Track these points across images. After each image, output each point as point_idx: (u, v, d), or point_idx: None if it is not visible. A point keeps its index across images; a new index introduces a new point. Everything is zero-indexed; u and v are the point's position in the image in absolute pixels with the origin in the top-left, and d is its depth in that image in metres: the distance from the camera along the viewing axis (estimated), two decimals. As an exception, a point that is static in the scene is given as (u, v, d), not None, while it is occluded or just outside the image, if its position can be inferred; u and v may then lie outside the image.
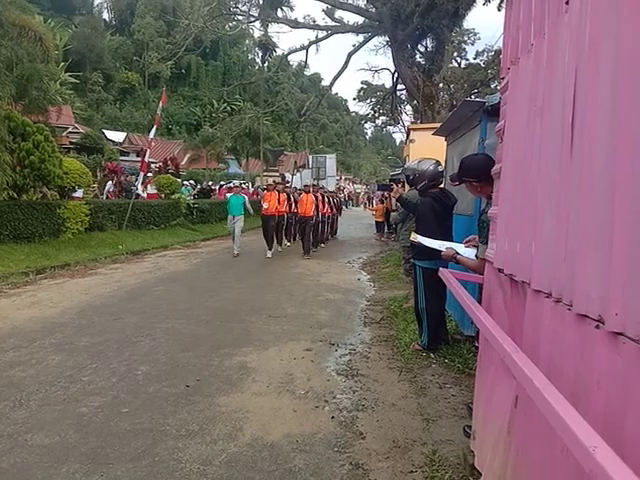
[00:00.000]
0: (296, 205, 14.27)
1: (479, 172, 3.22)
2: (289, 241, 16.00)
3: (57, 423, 3.49)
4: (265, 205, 13.07)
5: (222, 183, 25.79)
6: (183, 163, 34.31)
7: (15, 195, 11.13)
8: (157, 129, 16.40)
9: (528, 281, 1.98)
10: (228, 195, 13.80)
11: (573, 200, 1.60)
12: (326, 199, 15.94)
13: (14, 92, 10.53)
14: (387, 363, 4.92)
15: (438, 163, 5.38)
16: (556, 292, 1.70)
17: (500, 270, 2.39)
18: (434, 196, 5.11)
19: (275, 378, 4.46)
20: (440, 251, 3.87)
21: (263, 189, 15.66)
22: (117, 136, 36.68)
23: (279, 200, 13.51)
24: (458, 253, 3.61)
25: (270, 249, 12.93)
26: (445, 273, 3.01)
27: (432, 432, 3.47)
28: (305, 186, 14.25)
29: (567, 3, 1.74)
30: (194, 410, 3.75)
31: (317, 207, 13.68)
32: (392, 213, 12.73)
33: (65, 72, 36.23)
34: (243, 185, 18.66)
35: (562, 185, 1.71)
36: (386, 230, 19.25)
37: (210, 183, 27.24)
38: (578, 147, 1.60)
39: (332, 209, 17.18)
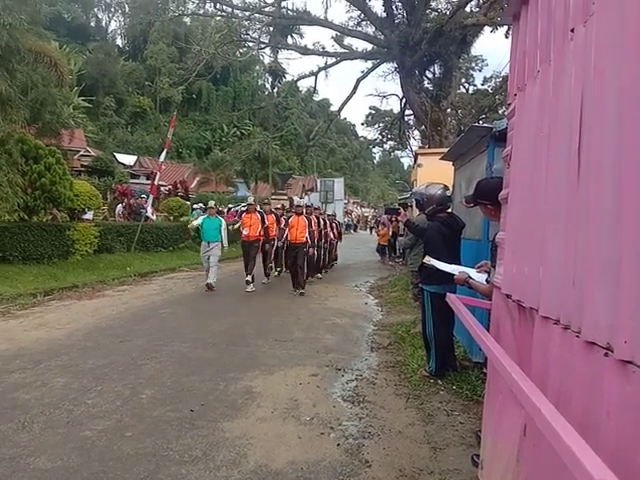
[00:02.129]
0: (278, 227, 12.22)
1: (493, 195, 3.21)
2: (279, 271, 13.80)
3: (60, 447, 3.46)
4: (245, 231, 11.10)
5: (230, 206, 25.93)
6: (192, 186, 34.60)
7: (26, 217, 11.25)
8: (167, 153, 16.59)
9: (536, 307, 1.95)
10: (199, 219, 11.42)
11: (580, 226, 1.59)
12: (322, 222, 13.79)
13: (28, 116, 10.72)
14: (394, 389, 4.85)
15: (446, 188, 5.39)
16: (564, 319, 1.67)
17: (508, 296, 2.37)
18: (442, 220, 5.11)
19: (280, 403, 4.41)
20: (452, 275, 3.85)
21: (241, 211, 12.72)
22: (128, 159, 37.09)
23: (264, 223, 11.46)
24: (470, 277, 3.58)
25: (251, 282, 10.87)
26: (452, 299, 2.98)
27: (439, 461, 3.40)
28: (297, 206, 11.60)
29: (572, 31, 1.75)
30: (198, 435, 3.71)
31: (311, 232, 11.31)
32: (400, 238, 12.73)
33: (78, 96, 36.85)
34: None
35: (569, 211, 1.70)
36: (393, 254, 19.23)
37: (216, 205, 27.32)
38: (585, 173, 1.60)
39: (330, 234, 15.04)
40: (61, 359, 5.54)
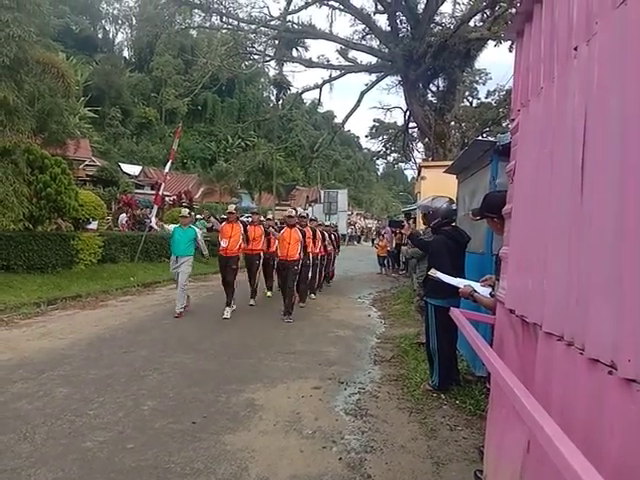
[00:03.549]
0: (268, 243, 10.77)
1: (500, 209, 3.21)
2: (269, 289, 11.89)
3: (61, 458, 3.45)
4: (224, 243, 9.38)
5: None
6: (197, 197, 34.71)
7: (31, 226, 11.30)
8: (172, 163, 16.65)
9: (540, 323, 1.95)
10: (172, 227, 9.59)
11: (583, 243, 1.60)
12: (319, 235, 11.96)
13: (35, 126, 10.79)
14: (397, 403, 4.83)
15: (451, 201, 5.39)
16: (568, 335, 1.67)
17: (511, 311, 2.37)
18: (447, 233, 5.11)
19: (282, 417, 4.39)
20: (457, 288, 3.84)
21: (221, 220, 10.57)
22: (133, 169, 37.26)
23: (248, 236, 10.09)
24: (475, 291, 3.58)
25: (229, 304, 9.22)
26: (456, 313, 2.98)
27: (442, 476, 3.38)
28: (289, 217, 9.57)
29: (576, 49, 1.77)
30: (200, 448, 3.69)
31: (305, 246, 9.81)
32: (403, 247, 12.62)
33: (85, 107, 37.11)
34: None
35: (572, 227, 1.71)
36: (396, 266, 19.20)
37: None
38: (588, 189, 1.60)
39: (327, 247, 13.32)
40: (63, 369, 5.53)
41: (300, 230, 9.50)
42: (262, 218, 11.66)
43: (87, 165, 29.22)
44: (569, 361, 1.66)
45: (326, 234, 13.46)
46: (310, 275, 11.07)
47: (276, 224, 12.55)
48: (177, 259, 9.22)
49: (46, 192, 11.16)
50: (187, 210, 10.21)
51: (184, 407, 4.54)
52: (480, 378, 5.20)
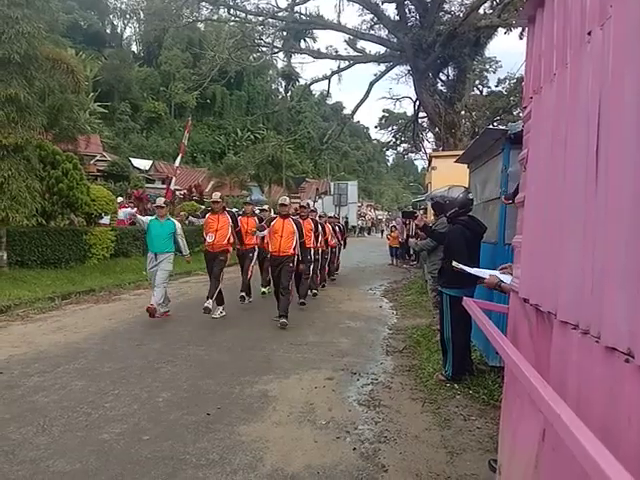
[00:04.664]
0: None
1: None
2: (266, 285, 10.66)
3: (79, 449, 3.50)
4: (209, 238, 8.23)
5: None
6: (207, 190, 34.82)
7: (44, 222, 11.40)
8: (182, 157, 16.70)
9: (554, 312, 1.94)
10: (146, 219, 8.38)
11: (599, 230, 1.58)
12: (320, 228, 10.88)
13: (45, 122, 10.87)
14: (410, 394, 4.84)
15: (468, 190, 5.37)
16: (583, 324, 1.66)
17: (525, 300, 2.35)
18: (464, 223, 5.06)
19: (296, 407, 4.41)
20: (473, 279, 3.81)
21: (204, 211, 9.13)
22: (143, 164, 37.41)
23: (241, 230, 8.92)
24: (502, 281, 3.53)
25: (211, 297, 7.94)
26: (469, 303, 2.97)
27: (456, 466, 3.38)
28: (281, 206, 8.26)
29: (589, 34, 1.74)
30: (214, 439, 3.73)
31: (304, 241, 8.61)
32: (411, 240, 12.53)
33: (94, 102, 37.30)
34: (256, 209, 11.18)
35: (587, 214, 1.69)
36: (407, 257, 19.17)
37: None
38: (603, 176, 1.58)
39: (330, 241, 12.38)
40: (79, 362, 5.60)
41: (295, 222, 8.20)
42: (256, 209, 10.83)
43: (98, 160, 29.41)
44: (585, 350, 1.65)
45: (329, 226, 12.51)
46: (311, 271, 10.18)
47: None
48: (156, 256, 8.05)
49: (58, 188, 11.26)
50: (162, 199, 8.89)
51: (198, 398, 4.58)
52: (493, 368, 5.19)
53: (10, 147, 9.54)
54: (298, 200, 35.74)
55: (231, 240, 8.41)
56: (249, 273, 9.81)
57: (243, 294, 9.79)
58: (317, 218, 11.79)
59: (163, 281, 8.00)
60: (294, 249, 7.98)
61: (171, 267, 8.26)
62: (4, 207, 9.58)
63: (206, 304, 7.73)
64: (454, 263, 4.44)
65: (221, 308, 8.40)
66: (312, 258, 10.09)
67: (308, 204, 11.91)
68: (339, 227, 14.55)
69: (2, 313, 8.04)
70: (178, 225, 8.40)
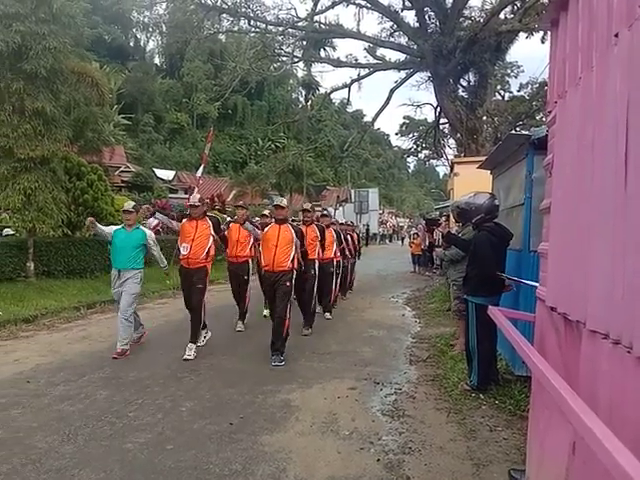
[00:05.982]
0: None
1: None
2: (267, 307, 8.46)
3: (103, 459, 3.52)
4: (184, 249, 6.56)
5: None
6: (229, 199, 35.12)
7: (69, 232, 11.62)
8: (205, 167, 16.85)
9: (583, 321, 1.89)
10: (110, 229, 6.83)
11: (629, 237, 1.53)
12: (327, 236, 8.74)
13: (71, 134, 11.10)
14: (434, 404, 4.77)
15: (493, 196, 5.30)
16: (614, 333, 1.61)
17: (553, 309, 2.30)
18: (490, 230, 4.99)
19: (319, 417, 4.38)
20: (500, 287, 3.76)
21: (180, 216, 7.33)
22: (166, 174, 37.84)
23: (222, 233, 7.38)
24: None
25: (194, 341, 6.48)
26: (495, 311, 2.92)
27: (482, 478, 3.31)
28: (277, 207, 6.80)
29: (616, 36, 1.70)
30: (237, 449, 3.71)
31: (304, 251, 7.00)
32: (437, 249, 12.38)
33: (118, 114, 37.89)
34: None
35: (616, 221, 1.64)
36: (430, 264, 19.00)
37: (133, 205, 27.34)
38: (633, 181, 1.54)
39: (341, 251, 10.19)
40: (104, 371, 5.66)
41: (295, 229, 6.70)
42: (266, 219, 8.05)
43: (122, 171, 29.84)
44: (616, 360, 1.60)
45: (341, 234, 10.40)
46: (315, 289, 8.27)
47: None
48: (120, 273, 6.55)
49: (83, 199, 11.49)
50: (132, 203, 7.18)
51: (221, 408, 4.58)
52: (519, 377, 5.08)
53: (37, 159, 9.77)
54: (319, 208, 35.81)
55: (211, 253, 6.73)
56: (246, 300, 8.25)
57: (240, 326, 8.16)
58: (332, 225, 10.02)
59: (128, 307, 6.44)
60: (292, 262, 6.40)
61: (138, 289, 6.71)
62: (31, 218, 9.80)
63: (186, 355, 6.20)
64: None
65: (204, 332, 7.09)
66: (316, 272, 8.18)
67: (312, 207, 9.20)
68: (350, 236, 11.85)
69: (29, 323, 8.19)
70: (149, 233, 6.93)
